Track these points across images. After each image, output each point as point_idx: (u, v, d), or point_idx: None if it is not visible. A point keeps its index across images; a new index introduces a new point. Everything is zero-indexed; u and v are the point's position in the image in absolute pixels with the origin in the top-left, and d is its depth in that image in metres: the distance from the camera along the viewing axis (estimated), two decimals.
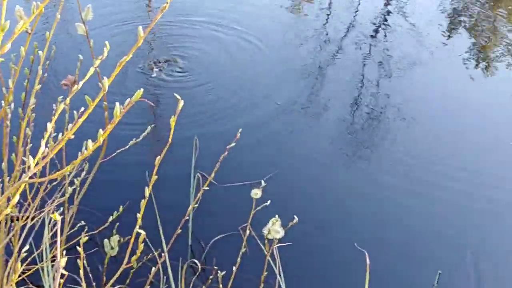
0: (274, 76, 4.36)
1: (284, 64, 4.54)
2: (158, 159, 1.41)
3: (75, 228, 2.06)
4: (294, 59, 4.62)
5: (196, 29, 5.03)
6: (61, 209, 2.05)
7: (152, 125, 1.93)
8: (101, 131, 1.01)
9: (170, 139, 1.42)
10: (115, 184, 3.04)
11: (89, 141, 1.01)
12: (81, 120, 1.08)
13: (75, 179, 1.87)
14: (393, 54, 4.79)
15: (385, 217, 3.04)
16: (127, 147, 2.07)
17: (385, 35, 5.18)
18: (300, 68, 4.50)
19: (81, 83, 1.19)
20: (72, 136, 1.09)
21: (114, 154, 2.01)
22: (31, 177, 1.13)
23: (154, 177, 1.43)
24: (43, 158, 1.01)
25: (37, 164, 1.09)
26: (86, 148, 1.01)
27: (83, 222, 2.09)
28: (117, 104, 0.99)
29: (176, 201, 2.85)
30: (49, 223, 2.05)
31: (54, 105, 1.85)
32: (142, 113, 3.80)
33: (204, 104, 3.90)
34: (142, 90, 0.98)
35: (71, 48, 4.47)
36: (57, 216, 0.90)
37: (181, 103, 1.27)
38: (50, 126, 1.18)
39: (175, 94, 1.26)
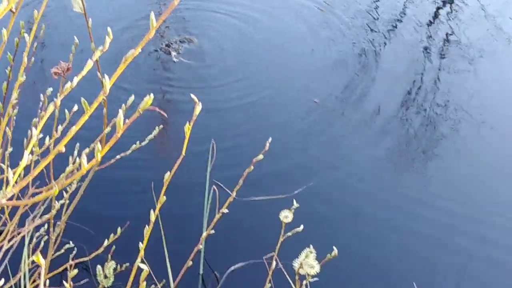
0: (312, 66, 4.28)
1: (324, 52, 4.45)
2: (167, 176, 1.35)
3: (62, 251, 2.02)
4: (335, 46, 4.53)
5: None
6: (46, 226, 2.01)
7: (160, 126, 1.87)
8: (98, 145, 0.95)
9: (183, 152, 1.36)
10: (112, 195, 3.01)
11: (83, 156, 0.95)
12: (74, 130, 1.02)
13: (63, 191, 1.82)
14: (457, 41, 4.66)
15: (439, 253, 2.93)
16: (128, 152, 2.01)
17: (448, 17, 5.04)
18: (342, 57, 4.41)
19: (75, 80, 1.13)
20: (63, 149, 1.03)
21: (113, 160, 1.96)
22: (9, 199, 1.08)
23: (163, 199, 1.37)
24: (25, 176, 0.96)
25: (16, 182, 1.04)
26: (79, 166, 0.95)
27: (71, 243, 2.04)
28: (120, 112, 0.93)
29: (187, 216, 2.80)
30: (29, 243, 2.01)
31: (41, 96, 1.81)
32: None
33: (226, 99, 3.85)
34: (152, 96, 0.92)
35: (67, 28, 4.47)
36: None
37: (199, 107, 1.21)
38: (35, 133, 1.13)
39: (191, 96, 1.20)
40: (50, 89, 1.76)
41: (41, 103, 1.66)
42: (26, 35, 1.40)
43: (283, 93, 3.97)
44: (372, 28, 4.81)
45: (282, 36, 4.65)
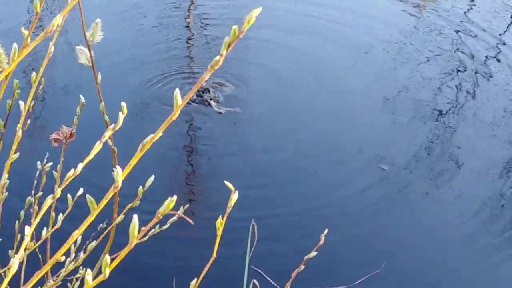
0: (375, 117, 4.31)
1: (387, 96, 4.49)
2: (194, 285, 1.38)
3: None
4: (409, 93, 4.56)
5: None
6: None
7: (186, 206, 1.90)
8: (107, 258, 0.98)
9: (214, 254, 1.40)
10: None
11: (88, 274, 0.98)
12: (76, 235, 1.06)
13: None
14: None
15: None
16: (146, 237, 2.05)
17: None
18: (414, 101, 4.44)
19: (80, 166, 1.19)
20: (61, 259, 1.08)
21: (123, 252, 1.99)
22: None
23: None
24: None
25: None
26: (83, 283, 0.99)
27: None
28: (135, 219, 0.96)
29: None
30: None
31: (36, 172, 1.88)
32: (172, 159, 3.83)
33: (264, 166, 3.90)
34: (174, 199, 0.95)
35: (72, 66, 4.64)
36: None
37: (235, 196, 1.25)
38: (28, 232, 1.18)
39: (226, 183, 1.23)
40: (49, 164, 1.81)
41: (33, 198, 1.69)
42: (21, 102, 1.46)
43: (342, 158, 4.00)
44: (460, 71, 4.84)
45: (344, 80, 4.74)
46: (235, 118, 4.29)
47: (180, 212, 1.91)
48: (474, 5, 6.06)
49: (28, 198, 1.66)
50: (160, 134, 1.07)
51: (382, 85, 4.72)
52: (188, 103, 4.45)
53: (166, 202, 0.95)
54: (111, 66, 4.74)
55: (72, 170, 1.18)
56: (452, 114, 4.41)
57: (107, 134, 1.17)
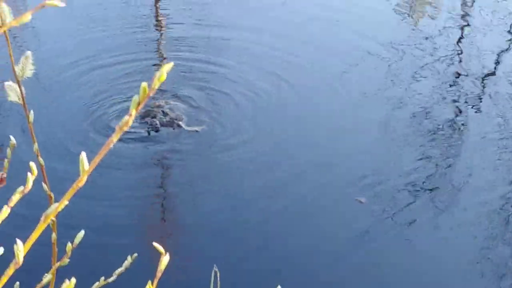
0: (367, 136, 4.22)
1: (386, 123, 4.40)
2: None
3: None
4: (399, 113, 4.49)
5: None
6: None
7: (134, 255, 1.78)
8: None
9: None
10: None
11: None
12: None
13: None
14: None
15: None
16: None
17: None
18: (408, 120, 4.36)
19: None
20: None
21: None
22: None
23: None
24: None
25: None
26: None
27: None
28: None
29: None
30: None
31: None
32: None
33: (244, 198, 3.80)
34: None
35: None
36: None
37: (166, 259, 1.16)
38: None
39: (155, 244, 1.12)
40: None
41: None
42: None
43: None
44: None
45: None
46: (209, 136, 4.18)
47: (128, 262, 1.79)
48: (471, 22, 6.00)
49: None
50: (66, 203, 0.97)
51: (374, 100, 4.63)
52: (156, 130, 4.31)
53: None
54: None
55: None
56: (450, 132, 4.33)
57: (15, 198, 1.06)
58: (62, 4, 0.98)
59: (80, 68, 4.95)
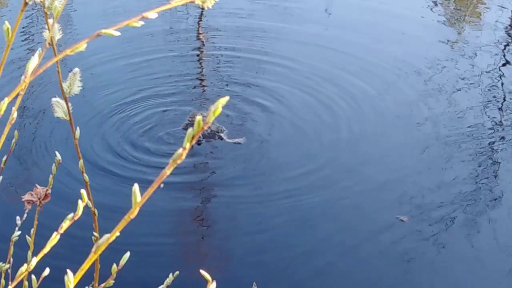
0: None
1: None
2: None
3: None
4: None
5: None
6: None
7: (176, 273, 1.77)
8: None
9: None
10: None
11: None
12: None
13: None
14: None
15: None
16: None
17: None
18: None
19: (34, 260, 1.08)
20: None
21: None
22: None
23: None
24: None
25: None
26: None
27: None
28: None
29: None
30: None
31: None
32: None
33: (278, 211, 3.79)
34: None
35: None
36: None
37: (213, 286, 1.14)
38: None
39: (202, 272, 1.11)
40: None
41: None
42: None
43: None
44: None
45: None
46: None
47: (170, 279, 1.79)
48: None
49: None
50: (117, 234, 0.96)
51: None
52: (198, 143, 4.32)
53: None
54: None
55: (25, 265, 1.07)
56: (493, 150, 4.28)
57: (65, 225, 1.07)
58: (117, 34, 0.97)
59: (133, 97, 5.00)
